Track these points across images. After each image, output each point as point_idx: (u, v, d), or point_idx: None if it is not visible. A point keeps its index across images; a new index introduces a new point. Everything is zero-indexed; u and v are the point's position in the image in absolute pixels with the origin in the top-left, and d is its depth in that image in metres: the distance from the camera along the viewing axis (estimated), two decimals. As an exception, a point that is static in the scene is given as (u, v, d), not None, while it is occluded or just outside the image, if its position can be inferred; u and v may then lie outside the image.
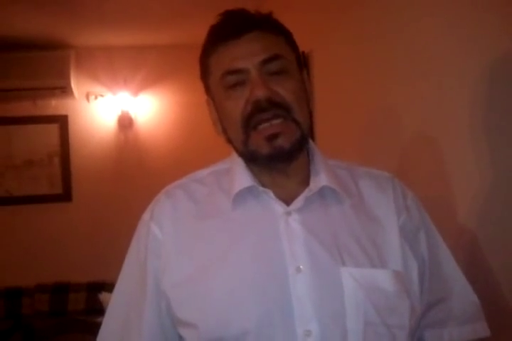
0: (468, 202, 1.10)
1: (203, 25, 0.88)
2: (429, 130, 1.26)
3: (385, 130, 1.55)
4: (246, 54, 0.80)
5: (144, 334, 0.84)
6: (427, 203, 0.93)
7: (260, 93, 0.78)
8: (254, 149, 0.81)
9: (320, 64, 2.18)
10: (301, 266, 0.77)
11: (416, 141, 1.34)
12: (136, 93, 3.91)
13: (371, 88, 1.64)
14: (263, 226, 0.81)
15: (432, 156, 1.25)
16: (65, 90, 3.69)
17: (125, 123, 3.88)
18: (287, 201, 0.83)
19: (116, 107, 3.88)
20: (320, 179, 0.84)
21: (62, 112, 3.85)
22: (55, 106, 3.83)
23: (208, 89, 0.88)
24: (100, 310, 0.81)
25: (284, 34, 0.86)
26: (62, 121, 3.84)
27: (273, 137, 0.79)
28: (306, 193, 0.83)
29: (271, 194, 0.82)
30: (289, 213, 0.81)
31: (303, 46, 0.90)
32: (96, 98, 3.88)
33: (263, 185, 0.84)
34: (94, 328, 0.89)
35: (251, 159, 0.84)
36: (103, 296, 2.58)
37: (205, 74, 0.87)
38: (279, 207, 0.82)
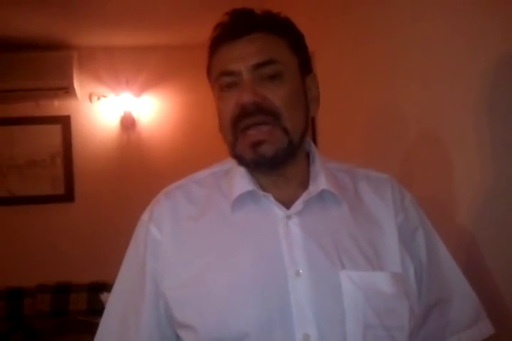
0: (468, 203, 1.10)
1: (206, 25, 0.88)
2: (433, 130, 1.26)
3: (389, 130, 1.55)
4: (241, 56, 0.80)
5: (142, 335, 0.84)
6: (427, 203, 0.92)
7: (247, 97, 0.78)
8: (240, 154, 0.82)
9: (323, 64, 2.18)
10: (300, 270, 0.77)
11: (420, 141, 1.33)
12: (138, 94, 3.92)
13: (375, 88, 1.64)
14: (263, 229, 0.81)
15: (435, 156, 1.25)
16: (67, 91, 3.70)
17: (127, 123, 3.88)
18: (286, 203, 0.83)
19: (118, 108, 3.88)
20: (319, 182, 0.84)
21: (65, 113, 3.85)
22: (57, 106, 3.83)
23: (212, 87, 0.88)
24: (101, 311, 0.81)
25: (288, 37, 0.84)
26: (64, 122, 3.84)
27: (257, 144, 0.79)
28: (305, 196, 0.83)
29: (271, 198, 0.82)
30: (289, 217, 0.81)
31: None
32: (98, 99, 3.88)
33: (262, 187, 0.84)
34: (95, 329, 0.89)
35: (239, 163, 0.84)
36: (104, 297, 2.58)
37: (208, 73, 0.88)
38: (279, 210, 0.82)
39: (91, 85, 3.88)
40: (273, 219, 0.81)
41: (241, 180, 0.84)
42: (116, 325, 0.87)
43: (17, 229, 3.72)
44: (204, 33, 0.87)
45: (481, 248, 1.05)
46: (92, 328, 0.90)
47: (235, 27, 0.82)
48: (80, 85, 3.83)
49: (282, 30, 0.84)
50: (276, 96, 0.79)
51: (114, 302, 0.89)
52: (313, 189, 0.83)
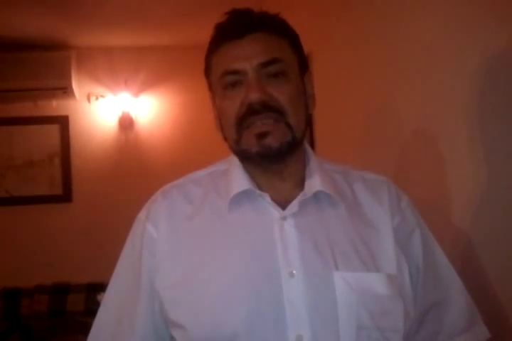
0: (463, 204, 1.10)
1: (204, 26, 0.88)
2: (428, 130, 1.26)
3: (384, 130, 1.55)
4: (246, 55, 0.80)
5: (137, 334, 0.84)
6: (423, 205, 0.92)
7: (254, 96, 0.79)
8: (245, 148, 0.82)
9: (320, 65, 2.19)
10: (294, 271, 0.77)
11: (414, 142, 1.33)
12: (136, 94, 3.91)
13: (370, 88, 1.64)
14: (258, 230, 0.81)
15: (429, 157, 1.25)
16: (66, 91, 3.69)
17: (126, 124, 3.88)
18: (282, 204, 0.83)
19: (117, 108, 3.88)
20: (314, 183, 0.84)
21: (63, 113, 3.85)
22: (55, 106, 3.83)
23: (210, 86, 0.89)
24: (99, 312, 0.82)
25: (288, 36, 0.86)
26: (62, 122, 3.84)
27: (262, 135, 0.80)
28: (300, 197, 0.83)
29: (267, 198, 0.82)
30: (284, 218, 0.81)
31: (303, 47, 0.90)
32: (97, 99, 3.88)
33: (259, 187, 0.84)
34: (93, 329, 0.89)
35: (243, 158, 0.85)
36: (101, 297, 2.56)
37: (207, 72, 0.88)
38: (274, 211, 0.82)
39: (89, 85, 3.87)
40: (269, 220, 0.81)
41: (238, 180, 0.85)
42: (110, 324, 0.87)
43: (15, 229, 3.72)
44: (202, 33, 0.88)
45: (477, 249, 1.05)
46: (90, 329, 0.90)
47: (237, 26, 0.82)
48: (79, 85, 3.82)
49: (282, 30, 0.85)
50: (282, 93, 0.81)
51: (109, 300, 0.89)
52: (309, 189, 0.84)
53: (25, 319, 3.43)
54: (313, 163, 0.88)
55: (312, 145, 2.29)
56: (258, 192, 0.83)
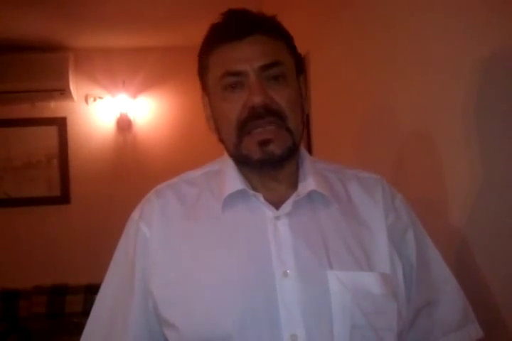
0: (460, 204, 1.10)
1: (202, 27, 0.88)
2: (425, 130, 1.26)
3: (381, 130, 1.56)
4: (247, 57, 0.80)
5: (130, 333, 0.83)
6: (419, 204, 0.92)
7: (257, 99, 0.78)
8: (246, 154, 0.81)
9: (317, 65, 2.19)
10: (288, 271, 0.77)
11: (411, 141, 1.34)
12: (134, 95, 3.91)
13: (367, 89, 1.64)
14: (252, 230, 0.81)
15: (426, 157, 1.25)
16: (63, 92, 3.69)
17: (124, 125, 3.88)
18: (276, 204, 0.83)
19: (114, 109, 3.88)
20: (308, 183, 0.84)
21: (61, 114, 3.85)
22: (53, 108, 3.83)
23: (204, 86, 0.88)
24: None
25: (285, 39, 0.85)
26: (60, 124, 3.84)
27: (265, 143, 0.79)
28: (294, 197, 0.83)
29: (261, 198, 0.82)
30: (278, 217, 0.81)
31: (300, 48, 0.90)
32: (95, 100, 3.88)
33: (253, 188, 0.84)
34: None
35: (243, 162, 0.84)
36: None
37: (202, 71, 0.87)
38: (268, 211, 0.82)
39: (87, 87, 3.87)
40: (262, 220, 0.81)
41: (232, 180, 0.84)
42: (103, 324, 0.86)
43: (13, 230, 3.71)
44: (200, 34, 0.87)
45: (473, 248, 1.05)
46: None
47: (234, 28, 0.82)
48: (76, 87, 3.82)
49: (279, 32, 0.85)
50: (282, 97, 0.80)
51: (102, 300, 0.88)
52: (302, 190, 0.84)
53: (23, 320, 3.43)
54: (307, 163, 0.88)
55: (309, 146, 2.29)
56: (252, 192, 0.83)
